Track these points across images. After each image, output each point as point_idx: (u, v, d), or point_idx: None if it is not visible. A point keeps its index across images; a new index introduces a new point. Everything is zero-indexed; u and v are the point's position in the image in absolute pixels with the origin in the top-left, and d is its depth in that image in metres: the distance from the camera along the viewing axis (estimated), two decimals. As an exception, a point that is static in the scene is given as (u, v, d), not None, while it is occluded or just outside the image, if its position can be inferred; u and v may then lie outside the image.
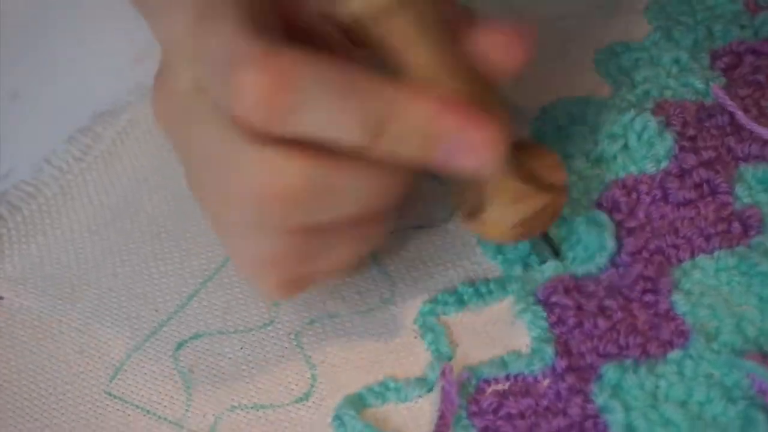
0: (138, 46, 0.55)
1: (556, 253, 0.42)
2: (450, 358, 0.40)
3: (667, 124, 0.45)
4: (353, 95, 0.34)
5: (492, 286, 0.42)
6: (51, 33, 0.59)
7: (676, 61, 0.47)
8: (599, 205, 0.43)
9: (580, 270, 0.41)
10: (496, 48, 0.36)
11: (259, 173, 0.34)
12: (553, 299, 0.40)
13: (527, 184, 0.39)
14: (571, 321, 0.40)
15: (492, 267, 0.43)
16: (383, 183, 0.36)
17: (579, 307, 0.40)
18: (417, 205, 0.44)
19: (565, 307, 0.40)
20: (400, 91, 0.34)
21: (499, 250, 0.43)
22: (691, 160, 0.44)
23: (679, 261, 0.41)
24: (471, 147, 0.35)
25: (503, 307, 0.41)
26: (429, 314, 0.41)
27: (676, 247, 0.42)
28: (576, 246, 0.42)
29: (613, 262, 0.42)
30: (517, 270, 0.42)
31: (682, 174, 0.43)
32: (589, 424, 0.37)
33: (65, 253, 0.47)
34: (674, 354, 0.39)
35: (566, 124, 0.46)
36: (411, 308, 0.42)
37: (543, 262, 0.42)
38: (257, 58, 0.33)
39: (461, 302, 0.41)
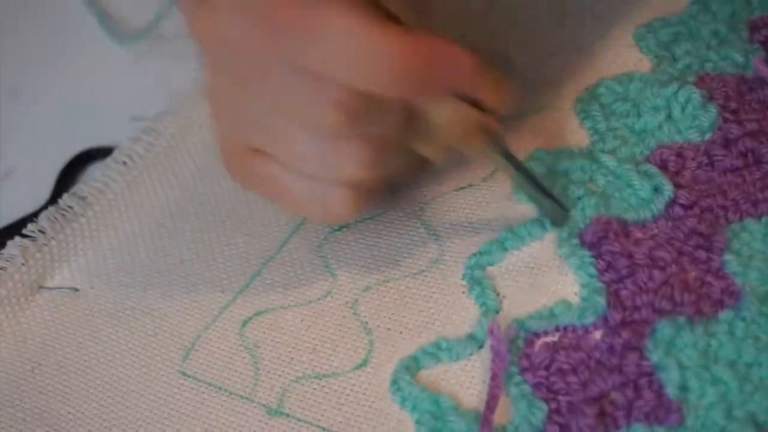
0: (135, 48, 0.56)
1: (564, 208, 0.43)
2: (497, 311, 0.41)
3: (710, 98, 0.45)
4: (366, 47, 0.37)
5: (529, 226, 0.43)
6: (51, 33, 0.61)
7: (715, 33, 0.48)
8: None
9: (629, 216, 0.42)
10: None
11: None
12: (603, 246, 0.41)
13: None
14: (624, 270, 0.41)
15: (532, 211, 0.44)
16: None
17: (629, 255, 0.41)
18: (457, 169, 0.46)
19: (615, 254, 0.41)
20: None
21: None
22: (735, 130, 0.45)
23: (728, 222, 0.42)
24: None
25: (548, 252, 0.42)
26: (475, 267, 0.43)
27: (725, 208, 0.43)
28: (625, 192, 0.43)
29: (666, 213, 0.42)
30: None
31: (727, 143, 0.44)
32: (643, 381, 0.38)
33: (135, 244, 0.50)
34: (726, 314, 0.39)
35: (609, 102, 0.48)
36: (459, 265, 0.44)
37: (554, 224, 0.43)
38: None
39: (503, 248, 0.43)
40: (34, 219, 0.50)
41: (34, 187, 0.55)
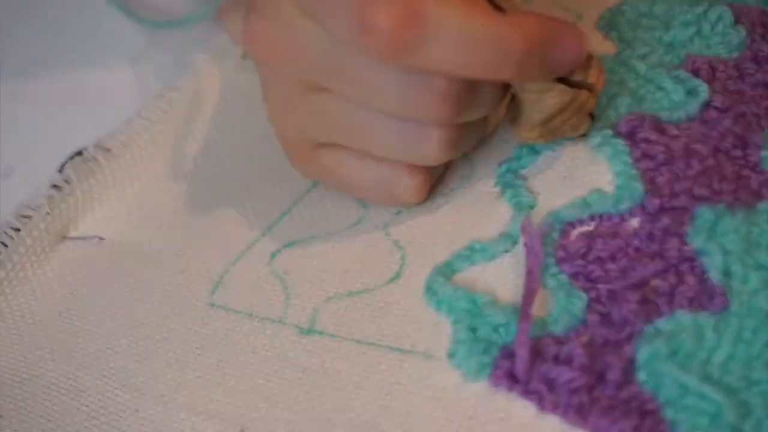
0: (135, 48, 0.57)
1: None
2: (532, 207, 0.41)
3: (737, 21, 0.45)
4: (482, 37, 0.36)
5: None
6: (51, 33, 0.61)
7: None
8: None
9: (663, 116, 0.42)
10: None
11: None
12: (639, 134, 0.41)
13: (550, 82, 0.40)
14: (661, 156, 0.40)
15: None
16: None
17: (666, 145, 0.40)
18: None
19: (651, 142, 0.40)
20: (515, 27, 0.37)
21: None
22: (765, 48, 0.44)
23: (762, 128, 0.42)
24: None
25: (581, 147, 0.42)
26: (506, 172, 0.42)
27: (758, 116, 0.42)
28: (657, 94, 0.42)
29: (701, 116, 0.42)
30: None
31: (758, 59, 0.44)
32: (685, 266, 0.37)
33: (161, 193, 0.50)
34: (765, 204, 0.39)
35: (635, 18, 0.47)
36: (489, 176, 0.43)
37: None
38: None
39: (534, 151, 0.42)
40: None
41: (33, 187, 0.53)
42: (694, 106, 0.42)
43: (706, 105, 0.42)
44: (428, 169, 0.42)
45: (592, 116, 0.42)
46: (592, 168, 0.41)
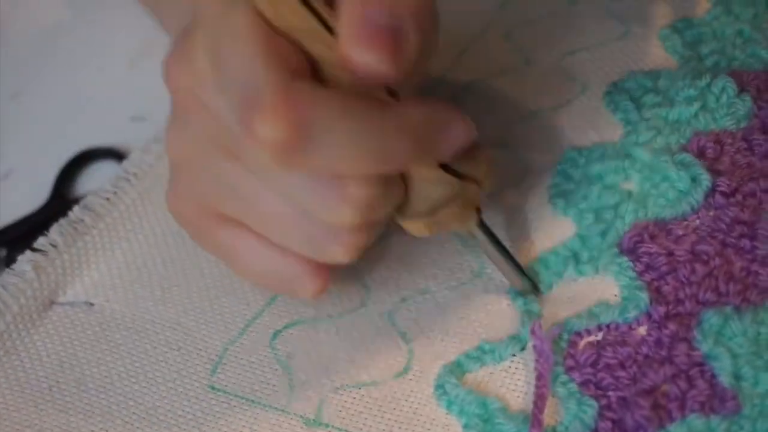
0: (135, 49, 0.57)
1: (536, 288, 0.44)
2: (540, 316, 0.42)
3: (742, 90, 0.47)
4: (367, 134, 0.36)
5: (569, 244, 0.44)
6: (51, 33, 0.61)
7: (740, 33, 0.50)
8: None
9: (668, 213, 0.43)
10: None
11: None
12: (640, 248, 0.42)
13: (436, 172, 0.40)
14: (664, 268, 0.42)
15: (566, 222, 0.45)
16: None
17: (670, 253, 0.42)
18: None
19: (654, 255, 0.42)
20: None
21: (569, 203, 0.45)
22: None
23: None
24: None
25: (589, 266, 0.43)
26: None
27: (767, 192, 0.44)
28: (661, 186, 0.44)
29: (706, 203, 0.43)
30: (589, 219, 0.44)
31: (766, 129, 0.46)
32: (695, 372, 0.39)
33: (150, 257, 0.50)
34: None
35: (639, 96, 0.49)
36: (501, 276, 0.44)
37: (523, 295, 0.44)
38: (275, 98, 0.35)
39: (546, 266, 0.44)
40: (43, 222, 0.51)
41: (33, 187, 0.55)
42: (698, 197, 0.43)
43: (713, 190, 0.44)
44: (330, 269, 0.42)
45: (479, 210, 0.42)
46: (598, 284, 0.43)
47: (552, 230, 0.45)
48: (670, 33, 0.51)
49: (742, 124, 0.46)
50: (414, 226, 0.41)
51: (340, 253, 0.40)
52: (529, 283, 0.43)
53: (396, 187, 0.39)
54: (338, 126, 0.36)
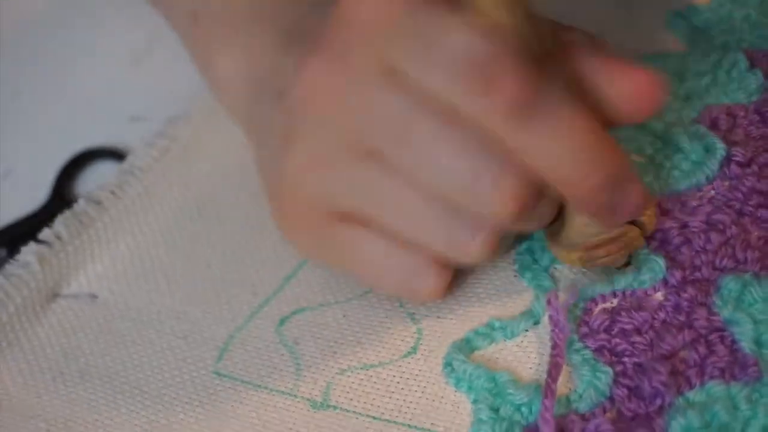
0: (135, 48, 0.57)
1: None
2: (555, 288, 0.42)
3: (752, 66, 0.47)
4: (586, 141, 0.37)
5: None
6: (51, 33, 0.62)
7: (746, 18, 0.50)
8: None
9: (682, 184, 0.43)
10: (628, 97, 0.38)
11: None
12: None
13: None
14: (677, 240, 0.42)
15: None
16: None
17: (684, 226, 0.42)
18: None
19: (667, 230, 0.42)
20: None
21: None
22: None
23: None
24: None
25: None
26: (525, 252, 0.44)
27: None
28: (675, 157, 0.44)
29: (722, 174, 0.43)
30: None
31: None
32: (715, 337, 0.39)
33: (155, 248, 0.50)
34: None
35: None
36: (509, 254, 0.44)
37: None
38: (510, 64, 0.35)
39: None
40: (43, 222, 0.51)
41: (32, 187, 0.56)
42: (713, 166, 0.43)
43: (728, 159, 0.44)
44: (453, 270, 0.42)
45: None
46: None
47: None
48: (677, 18, 0.52)
49: (754, 98, 0.46)
50: (567, 257, 0.41)
51: (476, 250, 0.39)
52: None
53: (549, 205, 0.40)
54: (563, 119, 0.36)
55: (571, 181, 0.37)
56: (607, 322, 0.40)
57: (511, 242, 0.44)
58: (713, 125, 0.45)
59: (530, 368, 0.41)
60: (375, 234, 0.40)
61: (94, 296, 0.49)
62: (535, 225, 0.41)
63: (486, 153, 0.37)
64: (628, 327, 0.40)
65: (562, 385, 0.39)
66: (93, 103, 0.58)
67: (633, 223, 0.41)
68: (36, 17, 0.62)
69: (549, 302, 0.40)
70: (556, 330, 0.40)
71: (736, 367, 0.38)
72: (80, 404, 0.45)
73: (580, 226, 0.41)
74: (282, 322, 0.46)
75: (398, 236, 0.40)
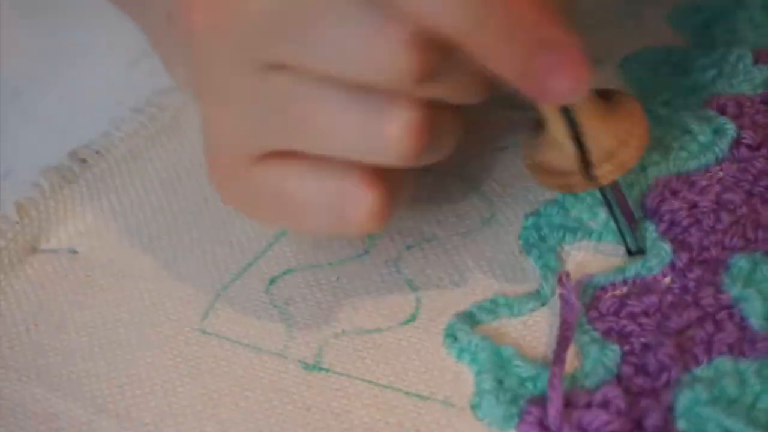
0: (133, 48, 0.57)
1: (643, 251, 0.42)
2: (564, 268, 0.42)
3: (756, 61, 0.47)
4: None
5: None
6: (51, 33, 0.61)
7: (750, 19, 0.50)
8: (703, 113, 0.45)
9: (692, 164, 0.43)
10: None
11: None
12: (662, 207, 0.42)
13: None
14: (686, 221, 0.41)
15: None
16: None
17: (693, 206, 0.41)
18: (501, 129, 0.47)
19: (676, 210, 0.42)
20: None
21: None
22: None
23: None
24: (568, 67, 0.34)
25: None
26: (531, 228, 0.43)
27: None
28: (683, 139, 0.44)
29: (731, 155, 0.43)
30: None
31: None
32: (723, 314, 0.38)
33: (140, 208, 0.49)
34: None
35: (653, 66, 0.49)
36: (514, 224, 0.43)
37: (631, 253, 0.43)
38: None
39: (563, 207, 0.43)
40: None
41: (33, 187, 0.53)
42: (722, 146, 0.43)
43: (737, 142, 0.44)
44: (388, 186, 0.38)
45: None
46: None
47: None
48: (679, 15, 0.52)
49: (759, 91, 0.46)
50: (602, 172, 0.39)
51: (395, 135, 0.35)
52: (635, 244, 0.42)
53: (456, 70, 0.36)
54: None
55: (463, 30, 0.32)
56: (615, 306, 0.40)
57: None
58: (720, 112, 0.45)
59: (535, 346, 0.40)
60: (295, 165, 0.38)
61: (74, 251, 0.47)
62: (456, 91, 0.36)
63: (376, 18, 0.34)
64: (637, 310, 0.39)
65: (568, 364, 0.38)
66: (93, 104, 0.57)
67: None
68: (36, 17, 0.62)
69: (560, 281, 0.40)
70: (566, 308, 0.39)
71: (745, 343, 0.37)
72: (54, 356, 0.43)
73: (597, 127, 0.38)
74: (272, 281, 0.44)
75: (319, 158, 0.37)
